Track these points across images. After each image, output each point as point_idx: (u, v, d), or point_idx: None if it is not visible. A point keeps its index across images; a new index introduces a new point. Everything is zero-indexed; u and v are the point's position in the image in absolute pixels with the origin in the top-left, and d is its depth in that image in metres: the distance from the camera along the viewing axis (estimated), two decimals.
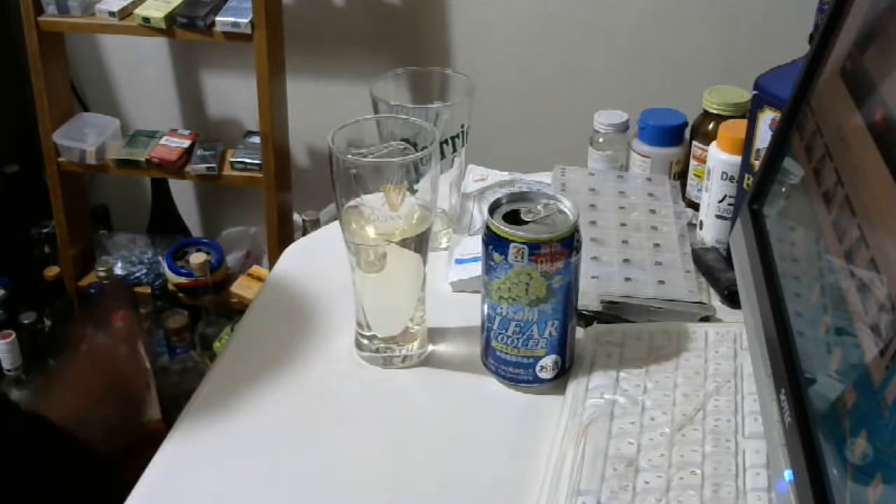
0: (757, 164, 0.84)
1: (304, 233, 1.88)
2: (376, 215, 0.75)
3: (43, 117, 1.78)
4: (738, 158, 0.88)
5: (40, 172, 1.89)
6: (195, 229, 2.18)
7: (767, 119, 0.82)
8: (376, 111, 0.88)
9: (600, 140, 1.04)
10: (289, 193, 1.90)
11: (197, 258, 1.77)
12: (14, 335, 1.62)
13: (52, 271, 1.87)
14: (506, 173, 1.06)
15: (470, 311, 0.80)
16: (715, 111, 0.97)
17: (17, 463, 0.75)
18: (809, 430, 0.55)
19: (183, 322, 1.75)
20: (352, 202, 0.75)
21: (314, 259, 0.98)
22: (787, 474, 0.55)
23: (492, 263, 0.72)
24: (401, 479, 0.70)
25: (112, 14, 1.69)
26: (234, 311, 1.84)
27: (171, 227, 2.06)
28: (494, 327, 0.75)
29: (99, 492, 0.72)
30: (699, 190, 0.96)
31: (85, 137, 1.80)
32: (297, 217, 1.96)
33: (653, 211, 0.96)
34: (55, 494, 0.76)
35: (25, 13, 1.68)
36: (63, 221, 1.87)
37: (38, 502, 0.75)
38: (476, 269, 0.78)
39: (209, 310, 1.81)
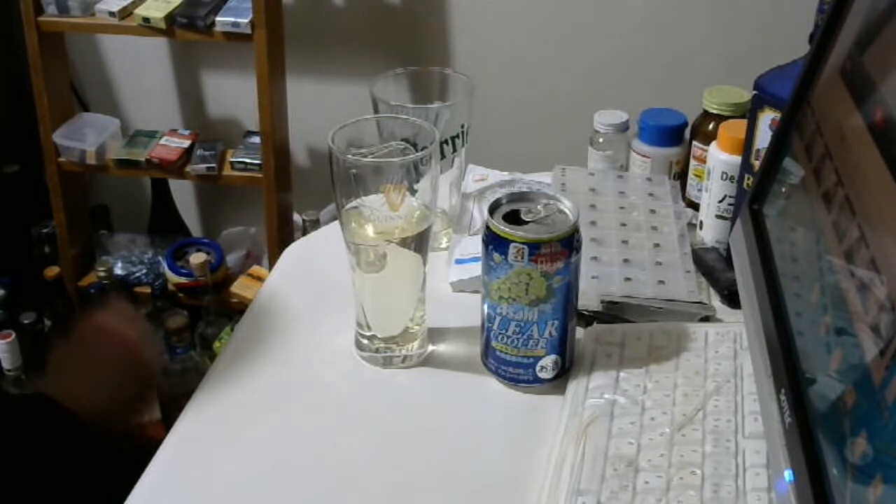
0: (757, 164, 0.84)
1: (304, 233, 1.88)
2: (376, 215, 0.75)
3: (43, 117, 1.78)
4: (738, 158, 0.88)
5: (40, 172, 1.89)
6: (195, 229, 2.17)
7: (767, 119, 0.82)
8: (376, 111, 0.88)
9: (600, 140, 1.04)
10: (289, 193, 1.90)
11: (197, 258, 1.77)
12: (14, 335, 1.62)
13: (52, 271, 1.87)
14: (506, 173, 1.06)
15: (470, 311, 0.80)
16: (715, 111, 0.97)
17: (11, 440, 0.74)
18: (809, 430, 0.55)
19: (183, 322, 1.75)
20: (352, 202, 0.75)
21: (314, 259, 0.98)
22: (787, 474, 0.55)
23: (492, 263, 0.72)
24: (400, 479, 0.70)
25: (112, 14, 1.69)
26: (234, 311, 1.84)
27: (171, 227, 2.06)
28: (494, 327, 0.75)
29: (99, 474, 0.71)
30: (699, 190, 0.96)
31: (85, 137, 1.80)
32: (297, 217, 1.96)
33: (653, 211, 0.96)
34: (52, 473, 0.74)
35: (25, 13, 1.68)
36: (63, 221, 1.86)
37: (33, 481, 0.73)
38: (476, 269, 0.78)
39: (209, 310, 1.81)
